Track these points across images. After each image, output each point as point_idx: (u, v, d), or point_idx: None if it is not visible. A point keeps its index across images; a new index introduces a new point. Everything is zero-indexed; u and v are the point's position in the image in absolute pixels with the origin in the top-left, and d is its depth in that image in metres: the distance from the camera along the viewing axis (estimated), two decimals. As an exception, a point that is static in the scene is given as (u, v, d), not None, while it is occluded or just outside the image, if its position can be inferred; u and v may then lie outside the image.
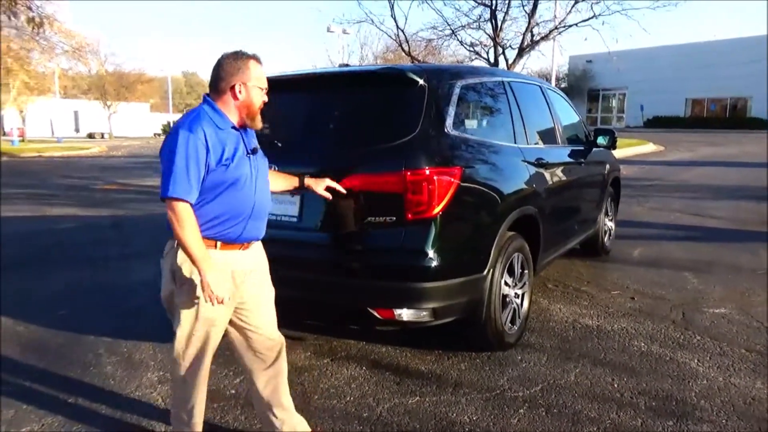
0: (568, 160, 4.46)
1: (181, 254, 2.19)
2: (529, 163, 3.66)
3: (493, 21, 14.94)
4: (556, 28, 15.17)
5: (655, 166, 15.29)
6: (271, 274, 2.87)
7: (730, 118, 37.43)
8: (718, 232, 7.04)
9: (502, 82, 3.78)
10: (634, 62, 31.61)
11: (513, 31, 15.98)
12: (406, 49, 15.52)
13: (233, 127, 2.20)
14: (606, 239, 5.74)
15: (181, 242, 2.09)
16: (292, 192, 2.75)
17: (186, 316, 2.25)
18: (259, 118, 2.26)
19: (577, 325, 3.94)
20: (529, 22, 14.94)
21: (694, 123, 37.37)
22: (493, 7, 14.86)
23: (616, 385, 3.06)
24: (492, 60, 15.79)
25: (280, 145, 2.98)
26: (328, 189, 2.72)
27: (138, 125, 59.44)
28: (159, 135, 54.40)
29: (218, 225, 2.19)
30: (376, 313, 2.85)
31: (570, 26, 14.85)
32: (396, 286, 2.82)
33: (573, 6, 14.56)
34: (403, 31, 15.15)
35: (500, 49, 15.33)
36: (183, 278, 2.20)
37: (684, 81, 38.04)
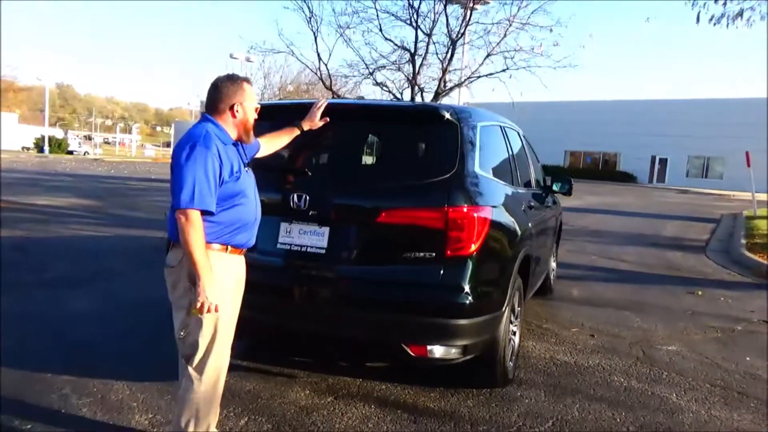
0: (541, 204, 4.72)
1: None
2: (524, 205, 3.83)
3: (413, 64, 15.51)
4: (468, 78, 16.03)
5: (552, 211, 16.47)
6: (295, 307, 2.74)
7: (603, 170, 41.52)
8: (633, 275, 7.71)
9: (500, 125, 3.95)
10: (522, 114, 34.25)
11: (428, 76, 16.62)
12: (328, 84, 15.61)
13: (233, 143, 2.41)
14: (552, 278, 6.07)
15: (189, 248, 2.19)
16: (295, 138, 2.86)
17: (208, 318, 2.34)
18: (252, 133, 2.48)
19: (555, 361, 4.12)
20: (445, 70, 15.68)
21: (573, 173, 40.95)
22: (413, 52, 15.45)
23: (618, 420, 3.23)
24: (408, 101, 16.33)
25: (309, 173, 2.89)
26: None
27: (4, 137, 53.64)
28: (29, 149, 49.38)
29: (231, 232, 2.38)
30: (408, 350, 2.80)
31: (483, 76, 15.77)
32: (433, 322, 2.80)
33: (486, 57, 15.51)
34: (326, 65, 15.26)
35: (417, 90, 15.90)
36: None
37: (564, 134, 41.70)
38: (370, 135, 3.11)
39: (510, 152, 3.92)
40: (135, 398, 3.20)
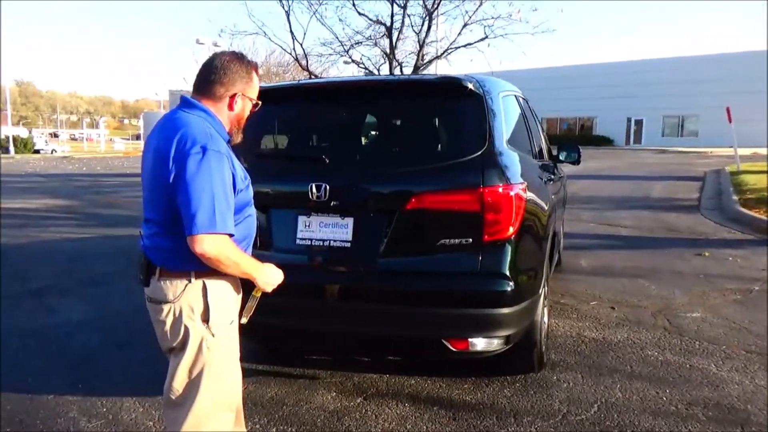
0: (553, 175, 4.51)
1: (213, 292, 1.87)
2: (545, 178, 3.62)
3: (390, 39, 15.13)
4: (447, 49, 15.71)
5: (538, 179, 16.37)
6: (321, 307, 2.52)
7: (580, 135, 41.63)
8: (636, 240, 7.60)
9: (514, 94, 3.70)
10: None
11: (404, 51, 16.25)
12: (304, 64, 15.15)
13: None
14: (560, 250, 5.91)
15: (238, 273, 1.87)
16: None
17: (220, 358, 1.92)
18: (241, 135, 2.01)
19: (583, 338, 3.95)
20: (423, 42, 15.34)
21: (551, 140, 41.04)
22: (389, 25, 15.05)
23: (664, 399, 3.07)
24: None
25: (327, 160, 2.62)
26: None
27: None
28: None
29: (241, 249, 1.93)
30: (449, 345, 2.59)
31: (461, 47, 15.46)
32: (474, 313, 2.58)
33: (463, 27, 15.19)
34: (301, 44, 14.81)
35: (396, 64, 15.54)
36: (219, 317, 1.89)
37: (540, 102, 41.60)
38: (390, 114, 2.84)
39: (526, 122, 3.69)
40: (150, 416, 2.95)
